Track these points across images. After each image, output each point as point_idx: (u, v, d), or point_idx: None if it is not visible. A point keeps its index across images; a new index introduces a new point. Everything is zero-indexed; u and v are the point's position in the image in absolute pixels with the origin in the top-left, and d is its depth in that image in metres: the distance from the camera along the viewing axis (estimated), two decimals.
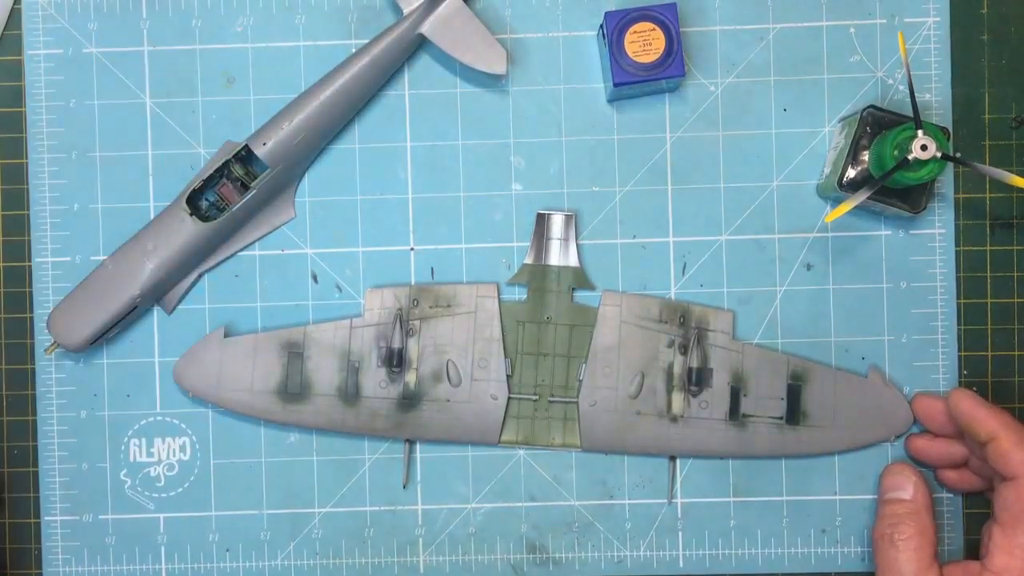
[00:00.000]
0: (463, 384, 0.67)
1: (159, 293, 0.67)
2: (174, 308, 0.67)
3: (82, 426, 0.68)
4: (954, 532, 0.67)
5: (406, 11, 0.65)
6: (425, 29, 0.65)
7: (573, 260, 0.67)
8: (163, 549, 0.68)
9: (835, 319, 0.67)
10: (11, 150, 0.68)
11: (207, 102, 0.68)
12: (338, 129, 0.67)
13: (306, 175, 0.68)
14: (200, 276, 0.67)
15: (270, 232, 0.68)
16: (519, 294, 0.68)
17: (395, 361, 0.67)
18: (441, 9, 0.65)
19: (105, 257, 0.66)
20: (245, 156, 0.66)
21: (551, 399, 0.67)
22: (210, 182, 0.66)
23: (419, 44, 0.66)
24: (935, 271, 0.67)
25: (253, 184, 0.65)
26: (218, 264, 0.67)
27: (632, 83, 0.64)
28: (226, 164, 0.66)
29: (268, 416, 0.67)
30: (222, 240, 0.67)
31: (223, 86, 0.68)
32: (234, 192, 0.66)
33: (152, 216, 0.67)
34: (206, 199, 0.67)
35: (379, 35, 0.65)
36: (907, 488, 0.64)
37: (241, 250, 0.68)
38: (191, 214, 0.65)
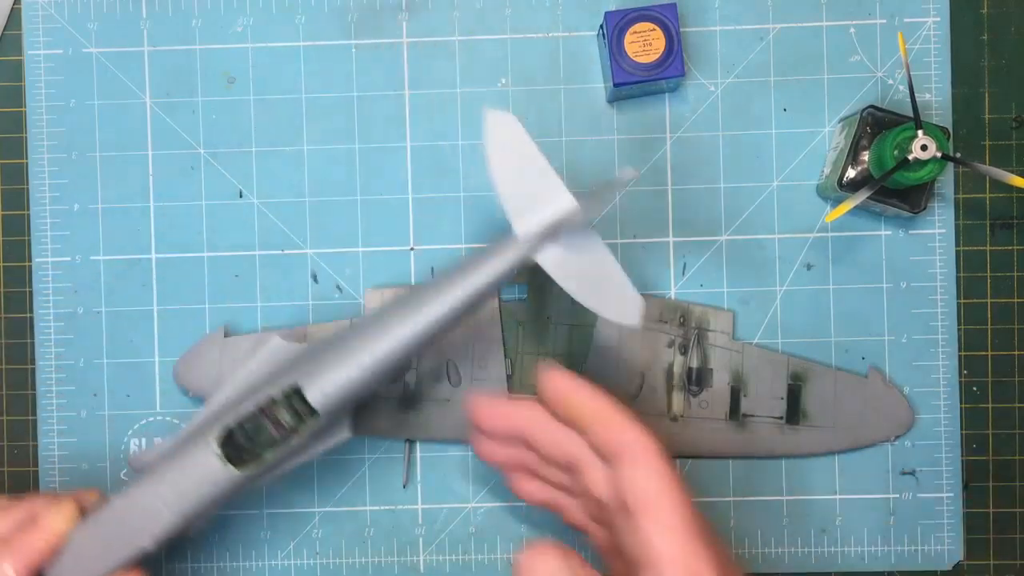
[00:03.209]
0: (463, 384, 0.67)
1: (173, 541, 0.57)
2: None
3: (82, 426, 0.68)
4: (954, 532, 0.67)
5: (519, 232, 0.53)
6: (542, 258, 0.54)
7: None
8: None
9: (835, 319, 0.67)
10: (11, 150, 0.68)
11: (207, 102, 0.68)
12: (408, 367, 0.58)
13: (305, 176, 0.68)
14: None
15: (319, 454, 0.59)
16: (519, 294, 0.68)
17: None
18: (568, 239, 0.53)
19: (114, 494, 0.57)
20: (294, 395, 0.55)
21: None
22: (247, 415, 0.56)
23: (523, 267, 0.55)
24: (935, 271, 0.67)
25: (301, 429, 0.56)
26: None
27: (632, 83, 0.64)
28: (269, 399, 0.56)
29: None
30: (258, 480, 0.57)
31: (223, 86, 0.68)
32: (273, 427, 0.56)
33: (152, 216, 0.68)
34: (240, 433, 0.56)
35: (476, 260, 0.53)
36: None
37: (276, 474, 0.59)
38: (223, 457, 0.55)
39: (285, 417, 0.55)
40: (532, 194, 0.53)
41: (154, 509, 0.54)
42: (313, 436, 0.56)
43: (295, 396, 0.55)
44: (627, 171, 0.56)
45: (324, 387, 0.55)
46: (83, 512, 0.57)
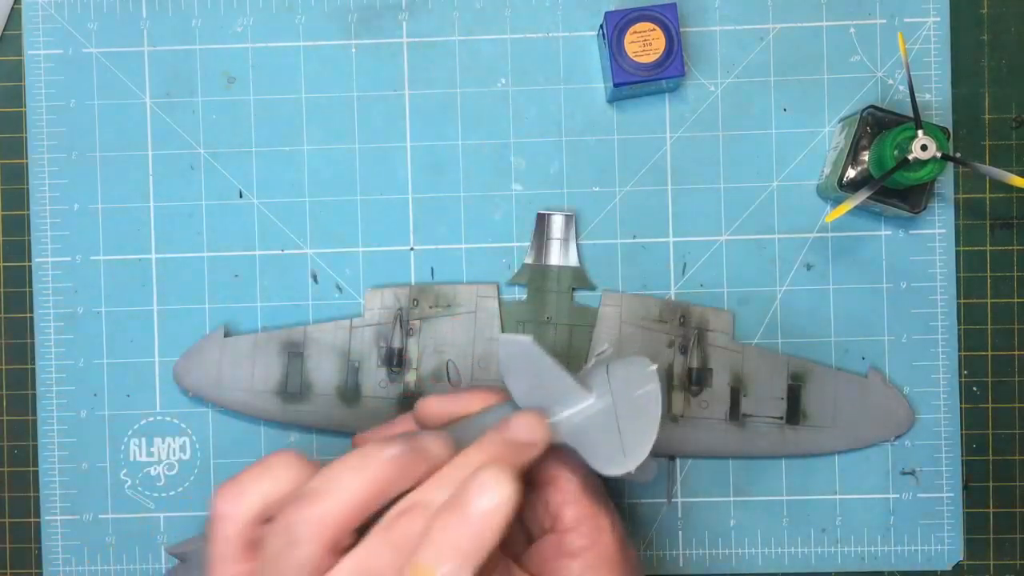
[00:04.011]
0: (463, 384, 0.67)
1: None
2: None
3: (82, 426, 0.68)
4: (954, 532, 0.67)
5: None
6: (565, 434, 0.53)
7: (573, 260, 0.67)
8: (163, 549, 0.68)
9: (835, 319, 0.67)
10: (11, 150, 0.68)
11: (207, 102, 0.68)
12: None
13: (305, 176, 0.68)
14: None
15: None
16: (519, 294, 0.68)
17: (395, 361, 0.67)
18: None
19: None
20: None
21: None
22: None
23: None
24: (935, 271, 0.67)
25: None
26: None
27: (632, 83, 0.64)
28: None
29: (268, 416, 0.67)
30: None
31: (223, 86, 0.68)
32: None
33: (152, 216, 0.68)
34: None
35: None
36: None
37: None
38: None
39: None
40: (548, 396, 0.53)
41: None
42: None
43: None
44: (605, 349, 0.56)
45: None
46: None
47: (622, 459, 0.52)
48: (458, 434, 0.51)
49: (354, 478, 0.45)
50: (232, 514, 0.47)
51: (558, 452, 0.53)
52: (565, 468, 0.54)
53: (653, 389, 0.53)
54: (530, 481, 0.54)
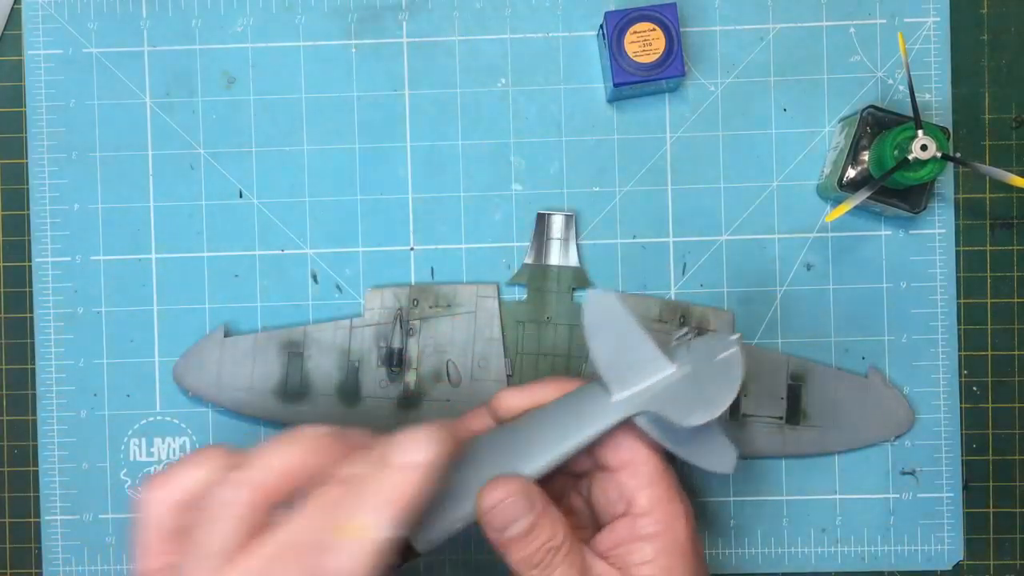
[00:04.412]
0: (463, 384, 0.67)
1: None
2: None
3: (82, 426, 0.68)
4: (954, 532, 0.67)
5: (616, 397, 0.54)
6: (640, 420, 0.54)
7: (573, 260, 0.67)
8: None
9: (835, 319, 0.67)
10: (11, 150, 0.69)
11: (207, 102, 0.68)
12: None
13: (305, 176, 0.68)
14: None
15: None
16: (519, 294, 0.68)
17: (395, 361, 0.67)
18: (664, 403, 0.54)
19: None
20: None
21: None
22: None
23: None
24: (935, 271, 0.67)
25: (395, 564, 0.53)
26: None
27: (632, 83, 0.64)
28: None
29: (268, 416, 0.67)
30: None
31: (223, 86, 0.68)
32: None
33: (152, 216, 0.68)
34: None
35: (571, 422, 0.54)
36: (523, 517, 0.52)
37: None
38: None
39: None
40: (630, 362, 0.54)
41: None
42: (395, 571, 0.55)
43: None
44: (735, 337, 0.56)
45: (431, 539, 0.54)
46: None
47: (704, 411, 0.53)
48: (534, 423, 0.53)
49: (274, 454, 0.46)
50: (153, 500, 0.47)
51: (633, 436, 0.54)
52: (640, 452, 0.55)
53: (735, 353, 0.54)
54: (603, 465, 0.55)
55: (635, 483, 0.54)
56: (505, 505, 0.53)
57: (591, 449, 0.55)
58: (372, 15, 0.68)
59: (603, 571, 0.53)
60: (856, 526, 0.68)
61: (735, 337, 0.55)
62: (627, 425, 0.54)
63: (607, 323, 0.54)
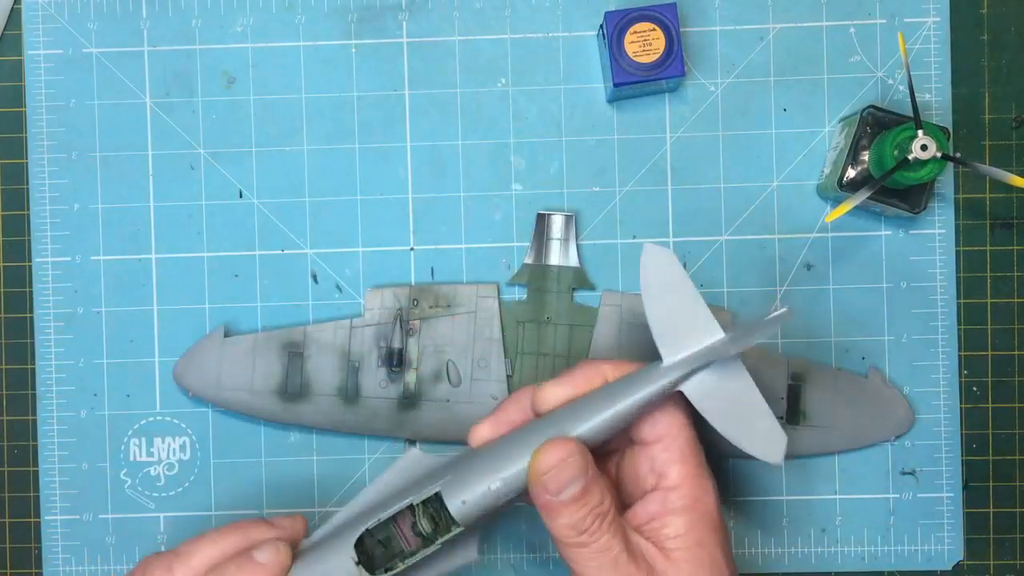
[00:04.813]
0: (463, 384, 0.67)
1: None
2: None
3: (82, 426, 0.68)
4: (954, 532, 0.67)
5: (667, 360, 0.55)
6: (688, 388, 0.55)
7: (573, 260, 0.67)
8: (163, 548, 0.68)
9: (835, 319, 0.67)
10: (11, 150, 0.68)
11: (207, 102, 0.68)
12: None
13: (305, 176, 0.68)
14: None
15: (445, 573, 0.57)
16: (519, 294, 0.68)
17: (395, 361, 0.67)
18: (714, 370, 0.54)
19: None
20: (433, 501, 0.55)
21: None
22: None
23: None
24: (935, 271, 0.67)
25: (439, 540, 0.55)
26: None
27: (632, 83, 0.64)
28: (411, 507, 0.55)
29: (268, 416, 0.67)
30: None
31: (223, 86, 0.68)
32: (408, 534, 0.55)
33: (152, 216, 0.68)
34: (377, 540, 0.56)
35: (622, 385, 0.55)
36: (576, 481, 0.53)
37: None
38: (359, 563, 0.54)
39: (425, 526, 0.55)
40: (683, 326, 0.55)
41: None
42: (445, 550, 0.56)
43: (437, 505, 0.54)
44: (782, 311, 0.57)
45: (466, 498, 0.54)
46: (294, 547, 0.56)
47: (743, 342, 0.55)
48: (575, 415, 0.54)
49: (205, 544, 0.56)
50: None
51: (670, 409, 0.56)
52: (675, 426, 0.56)
53: (784, 312, 0.56)
54: (639, 439, 0.56)
55: (667, 456, 0.56)
56: (564, 466, 0.53)
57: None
58: (372, 15, 0.68)
59: (640, 543, 0.55)
60: (856, 526, 0.68)
61: (786, 309, 0.57)
62: (668, 398, 0.55)
63: (663, 282, 0.55)
